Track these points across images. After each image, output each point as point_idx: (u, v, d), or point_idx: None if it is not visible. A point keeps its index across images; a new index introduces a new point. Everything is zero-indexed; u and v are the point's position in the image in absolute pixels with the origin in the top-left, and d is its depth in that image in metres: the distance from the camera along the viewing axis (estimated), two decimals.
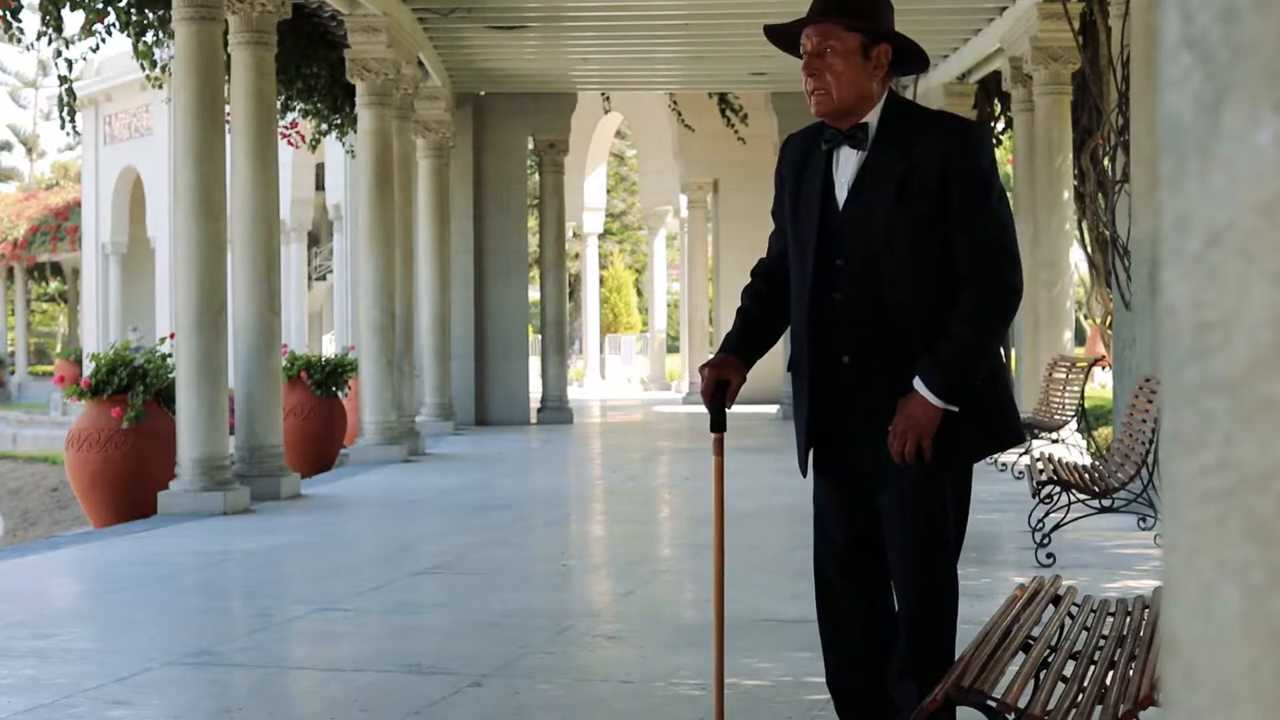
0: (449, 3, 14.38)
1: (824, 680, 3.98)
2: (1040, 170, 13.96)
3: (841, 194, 3.73)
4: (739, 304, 4.02)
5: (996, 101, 18.25)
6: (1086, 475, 8.99)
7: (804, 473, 3.89)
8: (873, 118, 3.70)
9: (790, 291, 3.87)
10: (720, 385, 3.85)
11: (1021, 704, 3.27)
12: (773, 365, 21.10)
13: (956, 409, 3.59)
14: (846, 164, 3.74)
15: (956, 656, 3.66)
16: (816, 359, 3.78)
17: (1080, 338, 30.96)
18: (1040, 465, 9.35)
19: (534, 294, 27.20)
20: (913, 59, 3.78)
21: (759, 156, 21.83)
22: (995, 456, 13.32)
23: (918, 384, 3.59)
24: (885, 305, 3.67)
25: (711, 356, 3.99)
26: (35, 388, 41.67)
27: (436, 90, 17.64)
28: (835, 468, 3.83)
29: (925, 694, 3.58)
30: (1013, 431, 3.82)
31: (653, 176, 32.31)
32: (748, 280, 4.06)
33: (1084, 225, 14.41)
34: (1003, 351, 3.81)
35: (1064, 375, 12.98)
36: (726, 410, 3.89)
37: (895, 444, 3.60)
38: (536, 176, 22.34)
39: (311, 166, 29.42)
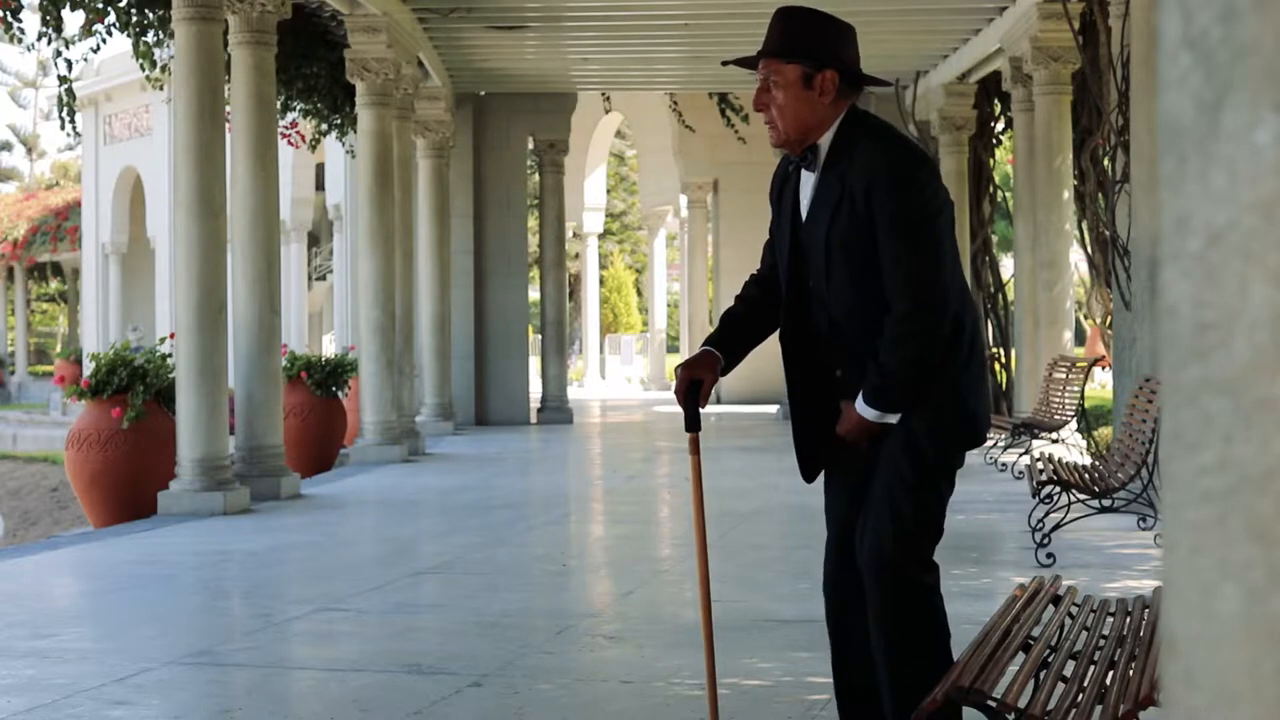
0: (449, 3, 14.38)
1: (824, 680, 3.99)
2: (1040, 170, 13.96)
3: (804, 217, 3.78)
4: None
5: (996, 101, 18.24)
6: (1086, 475, 9.00)
7: (806, 478, 3.94)
8: (825, 140, 3.73)
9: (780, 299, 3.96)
10: (694, 385, 3.88)
11: (1021, 704, 3.27)
12: (772, 365, 21.10)
13: (894, 420, 3.67)
14: (806, 186, 3.79)
15: (955, 657, 3.66)
16: (807, 374, 3.84)
17: (1080, 338, 30.96)
18: (1040, 465, 9.35)
19: (534, 294, 27.20)
20: (867, 76, 3.80)
21: (759, 156, 21.82)
22: (995, 456, 13.33)
23: (859, 400, 3.70)
24: (840, 326, 3.72)
25: (689, 356, 4.03)
26: (35, 388, 41.70)
27: (436, 90, 17.64)
28: (838, 473, 3.87)
29: (904, 697, 3.58)
30: (968, 435, 3.79)
31: (653, 176, 32.31)
32: (746, 282, 4.11)
33: (1084, 225, 14.41)
34: (971, 352, 3.77)
35: (1064, 375, 12.98)
36: (701, 410, 3.93)
37: (849, 440, 3.76)
38: (536, 176, 22.34)
39: (311, 166, 29.41)
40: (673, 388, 3.99)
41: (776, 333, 4.04)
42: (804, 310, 3.81)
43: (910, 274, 3.59)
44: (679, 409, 3.97)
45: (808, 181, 3.78)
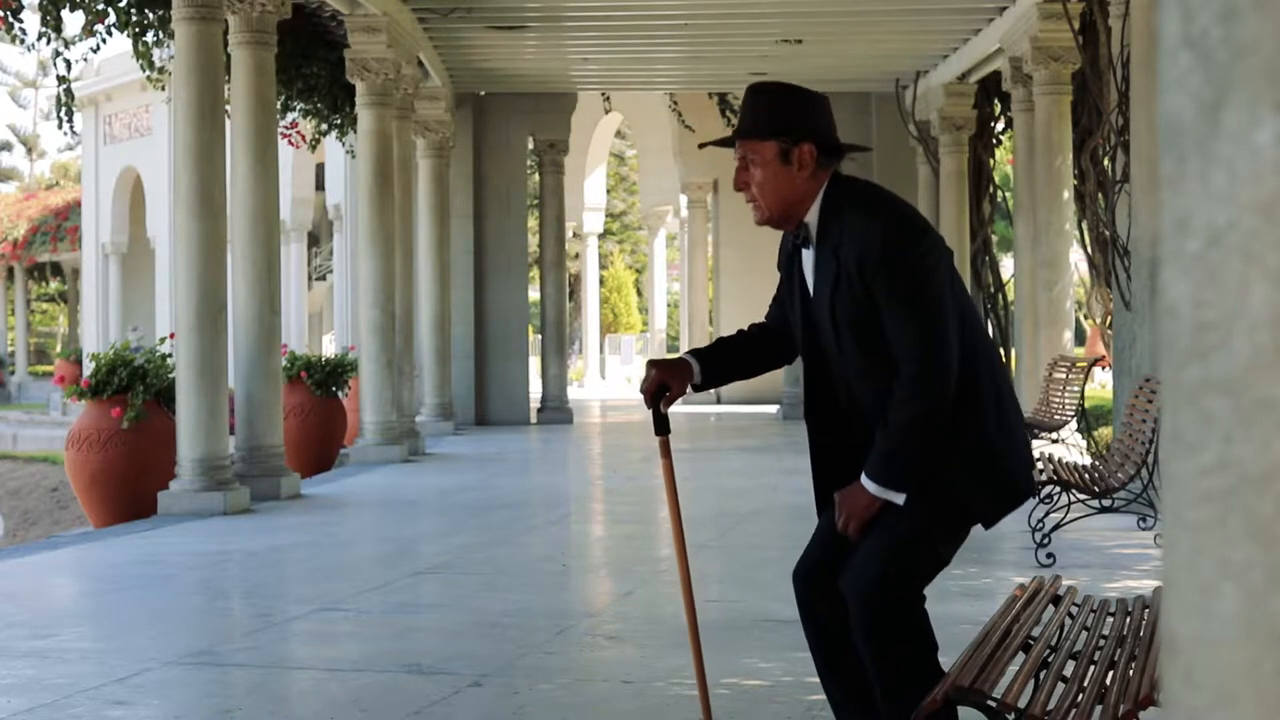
0: (449, 3, 14.38)
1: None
2: (1040, 170, 13.96)
3: (810, 291, 3.77)
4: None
5: (996, 101, 18.24)
6: (1086, 475, 8.99)
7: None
8: (812, 216, 3.70)
9: (781, 346, 3.96)
10: (661, 389, 3.87)
11: (1021, 704, 3.27)
12: None
13: (899, 500, 3.57)
14: (807, 263, 3.77)
15: (958, 655, 3.65)
16: (830, 439, 3.80)
17: (1080, 338, 30.96)
18: (1040, 465, 9.35)
19: (534, 294, 27.20)
20: (845, 145, 3.76)
21: None
22: None
23: (863, 474, 3.61)
24: (859, 396, 3.69)
25: (659, 358, 4.02)
26: (35, 388, 41.70)
27: (436, 90, 17.64)
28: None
29: (898, 707, 3.57)
30: (1009, 497, 3.68)
31: (653, 176, 32.31)
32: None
33: (1084, 225, 14.41)
34: (999, 409, 3.70)
35: (1064, 375, 12.98)
36: (666, 413, 3.92)
37: (839, 524, 3.64)
38: (536, 176, 22.34)
39: (311, 166, 29.41)
40: (640, 384, 3.96)
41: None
42: (825, 380, 3.79)
43: (913, 338, 3.54)
44: (677, 409, 3.98)
45: (808, 258, 3.76)
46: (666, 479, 4.02)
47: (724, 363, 3.97)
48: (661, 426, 3.96)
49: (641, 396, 3.95)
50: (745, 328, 4.06)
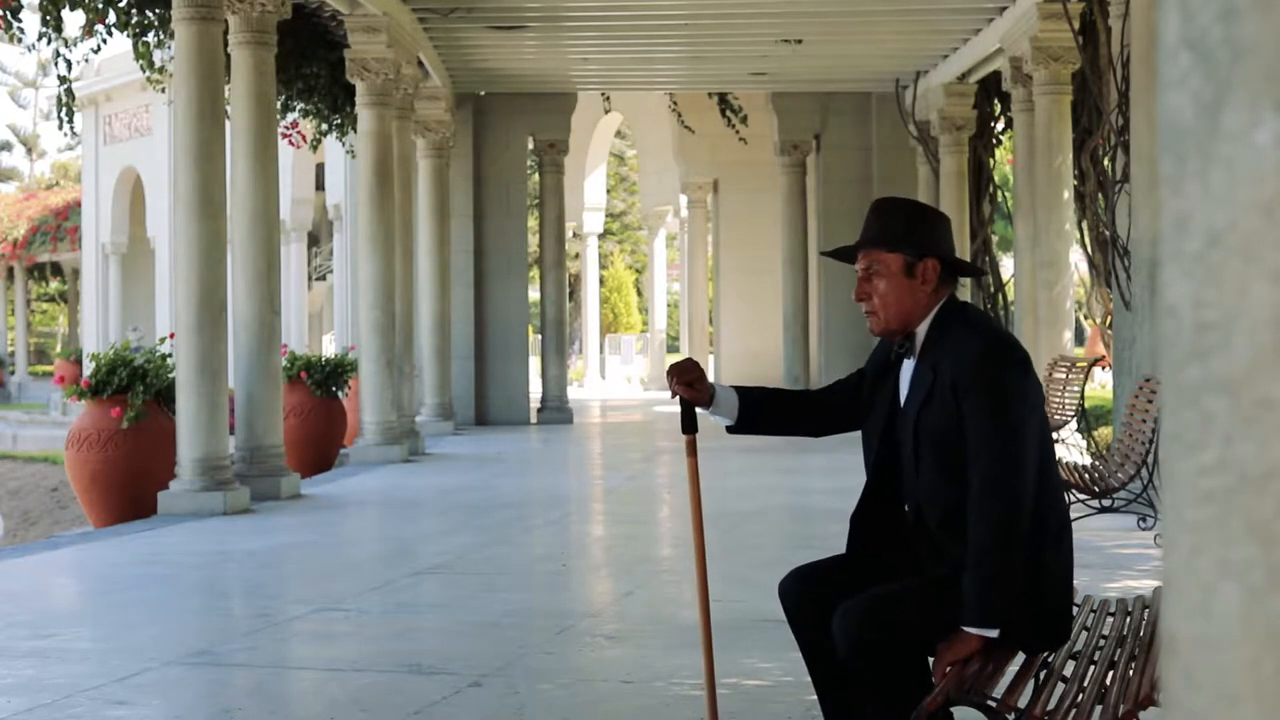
0: (449, 3, 14.37)
1: None
2: (1040, 170, 13.95)
3: (901, 401, 3.80)
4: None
5: (996, 101, 18.24)
6: (1086, 475, 8.99)
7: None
8: (922, 329, 3.75)
9: (824, 420, 3.99)
10: (688, 385, 3.87)
11: (1021, 704, 3.27)
12: (770, 365, 21.11)
13: (994, 634, 3.51)
14: (905, 372, 3.81)
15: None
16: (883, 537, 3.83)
17: (1080, 338, 30.96)
18: None
19: (534, 294, 27.20)
20: (966, 266, 3.87)
21: (759, 156, 21.82)
22: None
23: (963, 624, 3.54)
24: (924, 514, 3.68)
25: (686, 359, 4.01)
26: (35, 388, 41.69)
27: (436, 90, 17.64)
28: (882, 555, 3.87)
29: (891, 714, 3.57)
30: (1062, 633, 3.67)
31: (653, 176, 32.30)
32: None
33: (1084, 225, 14.41)
34: (1058, 552, 3.66)
35: (1064, 375, 12.99)
36: (695, 411, 3.91)
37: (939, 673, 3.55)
38: (536, 176, 22.34)
39: (311, 166, 29.41)
40: (672, 368, 3.91)
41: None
42: (886, 502, 3.81)
43: (989, 458, 3.52)
44: (678, 409, 3.94)
45: (906, 369, 3.80)
46: (691, 477, 3.99)
47: (769, 410, 3.98)
48: (689, 424, 3.94)
49: (669, 377, 3.91)
50: (805, 390, 4.08)
